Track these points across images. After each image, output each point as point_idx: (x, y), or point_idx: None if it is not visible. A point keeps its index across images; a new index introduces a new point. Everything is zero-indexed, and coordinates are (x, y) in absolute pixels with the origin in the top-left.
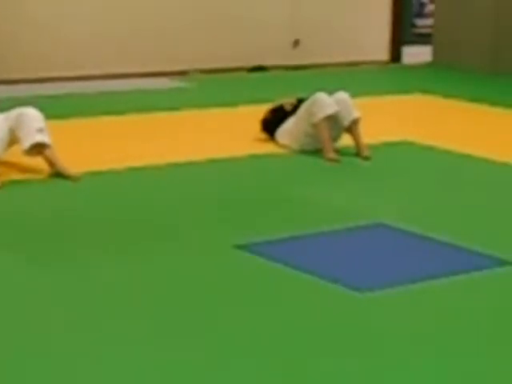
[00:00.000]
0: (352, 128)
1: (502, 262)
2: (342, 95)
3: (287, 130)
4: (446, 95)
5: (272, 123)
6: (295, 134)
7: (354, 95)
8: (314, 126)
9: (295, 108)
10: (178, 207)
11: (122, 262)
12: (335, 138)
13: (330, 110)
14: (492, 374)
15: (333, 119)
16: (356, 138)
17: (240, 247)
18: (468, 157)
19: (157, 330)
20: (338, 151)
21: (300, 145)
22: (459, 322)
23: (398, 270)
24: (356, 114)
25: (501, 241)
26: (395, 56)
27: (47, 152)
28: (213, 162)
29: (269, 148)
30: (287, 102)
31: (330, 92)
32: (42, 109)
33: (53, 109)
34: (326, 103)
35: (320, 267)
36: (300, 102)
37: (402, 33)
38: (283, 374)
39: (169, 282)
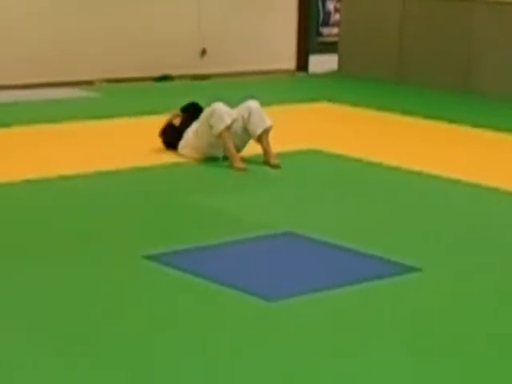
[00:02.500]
0: (262, 137)
1: (408, 269)
2: (252, 104)
3: (189, 144)
4: (352, 104)
5: (170, 143)
6: (199, 146)
7: (261, 104)
8: (217, 137)
9: (184, 120)
10: (86, 219)
11: (29, 275)
12: (242, 147)
13: (228, 120)
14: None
15: (242, 129)
16: (265, 146)
17: (149, 258)
18: (375, 165)
19: (59, 341)
20: (245, 160)
21: (203, 155)
22: (369, 329)
23: (307, 278)
24: (268, 122)
25: (407, 248)
26: (302, 65)
27: None
28: (119, 172)
29: (176, 158)
30: (172, 116)
31: (239, 100)
32: None
33: None
34: (223, 113)
35: (229, 277)
36: (184, 111)
37: (309, 42)
38: None
39: (77, 294)
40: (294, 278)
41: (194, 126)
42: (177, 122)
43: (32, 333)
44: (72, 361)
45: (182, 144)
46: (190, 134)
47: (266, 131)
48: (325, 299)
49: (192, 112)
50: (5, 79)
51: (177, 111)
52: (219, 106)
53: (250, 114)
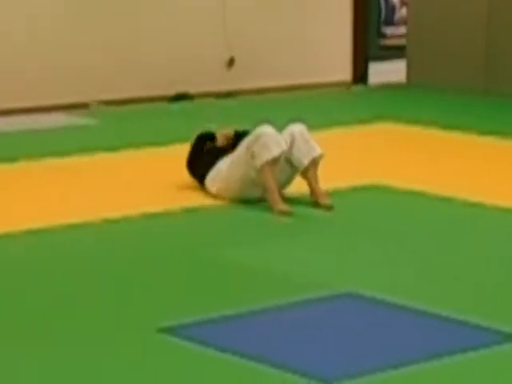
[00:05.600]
0: (309, 169)
1: (507, 337)
2: (296, 128)
3: (220, 176)
4: (424, 124)
5: (200, 163)
6: (230, 179)
7: (307, 127)
8: (258, 171)
9: (229, 145)
10: (85, 280)
11: (20, 353)
12: (285, 184)
13: (276, 151)
14: None
15: (284, 161)
16: (313, 181)
17: (165, 330)
18: (453, 201)
19: None
20: (288, 200)
21: (236, 195)
22: None
23: (376, 352)
24: (317, 150)
25: (501, 310)
26: (360, 75)
27: None
28: (127, 220)
29: (199, 199)
30: (222, 133)
31: (281, 125)
32: None
33: None
34: (270, 141)
35: (271, 353)
36: (238, 137)
37: (368, 46)
38: None
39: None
40: (359, 353)
41: (232, 155)
42: (221, 141)
43: None
44: None
45: (211, 175)
46: (224, 163)
47: (315, 162)
48: (401, 379)
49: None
50: None
51: (230, 132)
52: (266, 130)
53: (293, 141)
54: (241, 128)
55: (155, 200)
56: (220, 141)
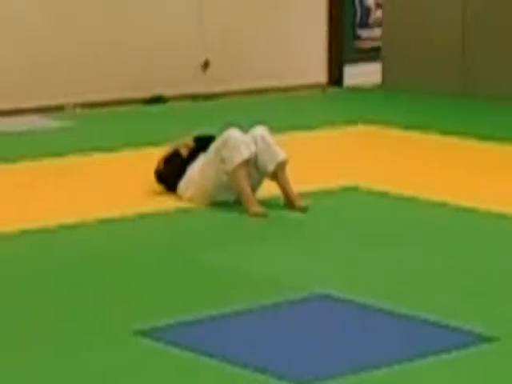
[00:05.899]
0: (278, 173)
1: (481, 338)
2: (260, 131)
3: (193, 183)
4: (400, 126)
5: (168, 176)
6: (205, 187)
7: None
8: (231, 174)
9: (193, 152)
10: (59, 283)
11: None
12: (255, 187)
13: (246, 153)
14: None
15: (252, 163)
16: (284, 184)
17: (141, 333)
18: (429, 204)
19: None
20: (262, 203)
21: (210, 199)
22: None
23: (350, 354)
24: (281, 155)
25: (476, 311)
26: (335, 77)
27: None
28: (105, 222)
29: (174, 202)
30: (182, 144)
31: (248, 128)
32: None
33: None
34: (239, 143)
35: (245, 355)
36: (197, 141)
37: (343, 48)
38: None
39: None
40: (331, 355)
41: (201, 159)
42: (185, 152)
43: None
44: None
45: (183, 184)
46: (194, 169)
47: (281, 166)
48: (374, 381)
49: (206, 145)
50: None
51: (189, 139)
52: (234, 134)
53: (255, 145)
54: (202, 132)
55: (130, 202)
56: (183, 151)
